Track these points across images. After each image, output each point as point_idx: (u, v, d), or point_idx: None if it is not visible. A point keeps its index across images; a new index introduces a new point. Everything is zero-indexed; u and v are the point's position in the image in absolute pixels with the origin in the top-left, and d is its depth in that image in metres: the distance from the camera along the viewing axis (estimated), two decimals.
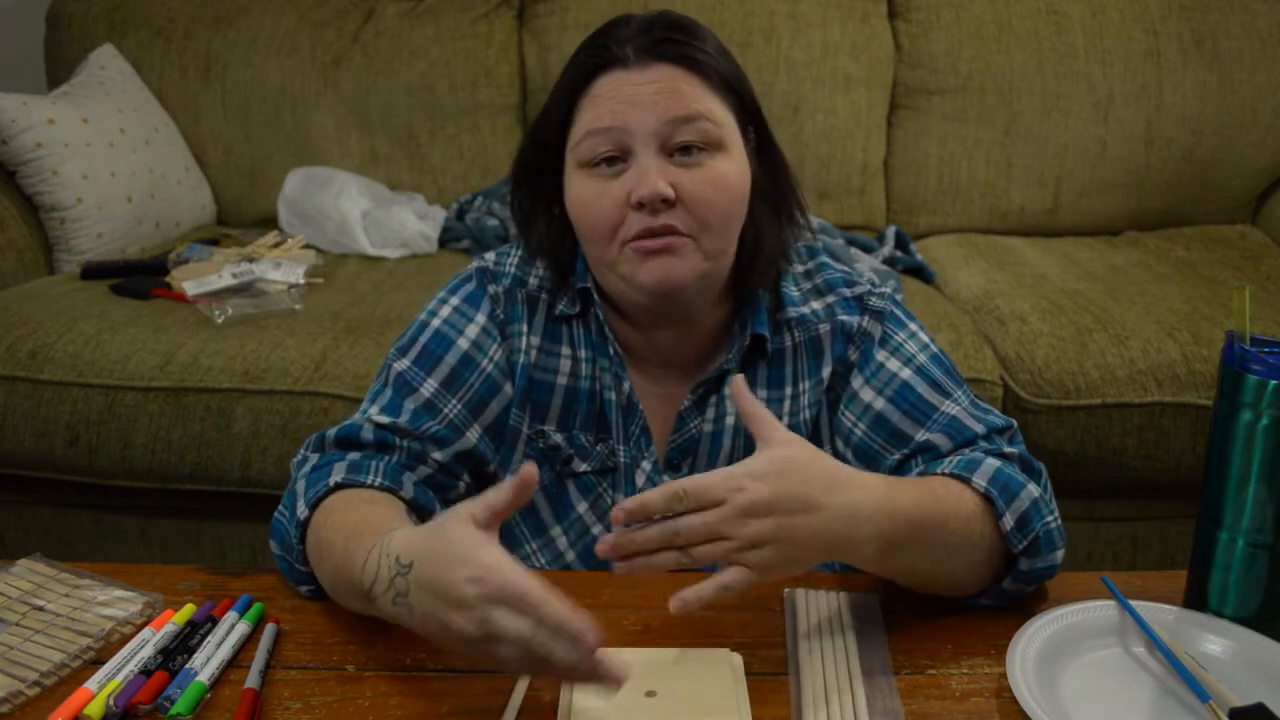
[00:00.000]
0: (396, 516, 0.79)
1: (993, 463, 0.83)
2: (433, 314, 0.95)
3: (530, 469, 0.67)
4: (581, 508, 0.96)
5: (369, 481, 0.85)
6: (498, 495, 0.67)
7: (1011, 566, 0.81)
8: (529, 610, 0.62)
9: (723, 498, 0.68)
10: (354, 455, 0.88)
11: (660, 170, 0.84)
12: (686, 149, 0.85)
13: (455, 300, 0.95)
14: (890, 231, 2.18)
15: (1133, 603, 0.81)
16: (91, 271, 1.96)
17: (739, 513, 0.68)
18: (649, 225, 0.84)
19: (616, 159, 0.85)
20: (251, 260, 1.96)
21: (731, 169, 0.87)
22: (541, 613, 0.62)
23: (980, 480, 0.81)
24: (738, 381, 0.75)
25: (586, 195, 0.87)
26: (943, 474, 0.83)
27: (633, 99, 0.84)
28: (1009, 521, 0.79)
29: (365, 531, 0.74)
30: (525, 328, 0.95)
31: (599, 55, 0.86)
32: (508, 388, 0.94)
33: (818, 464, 0.72)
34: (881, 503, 0.73)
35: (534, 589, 0.62)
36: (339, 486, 0.83)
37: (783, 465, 0.70)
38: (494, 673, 0.75)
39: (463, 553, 0.64)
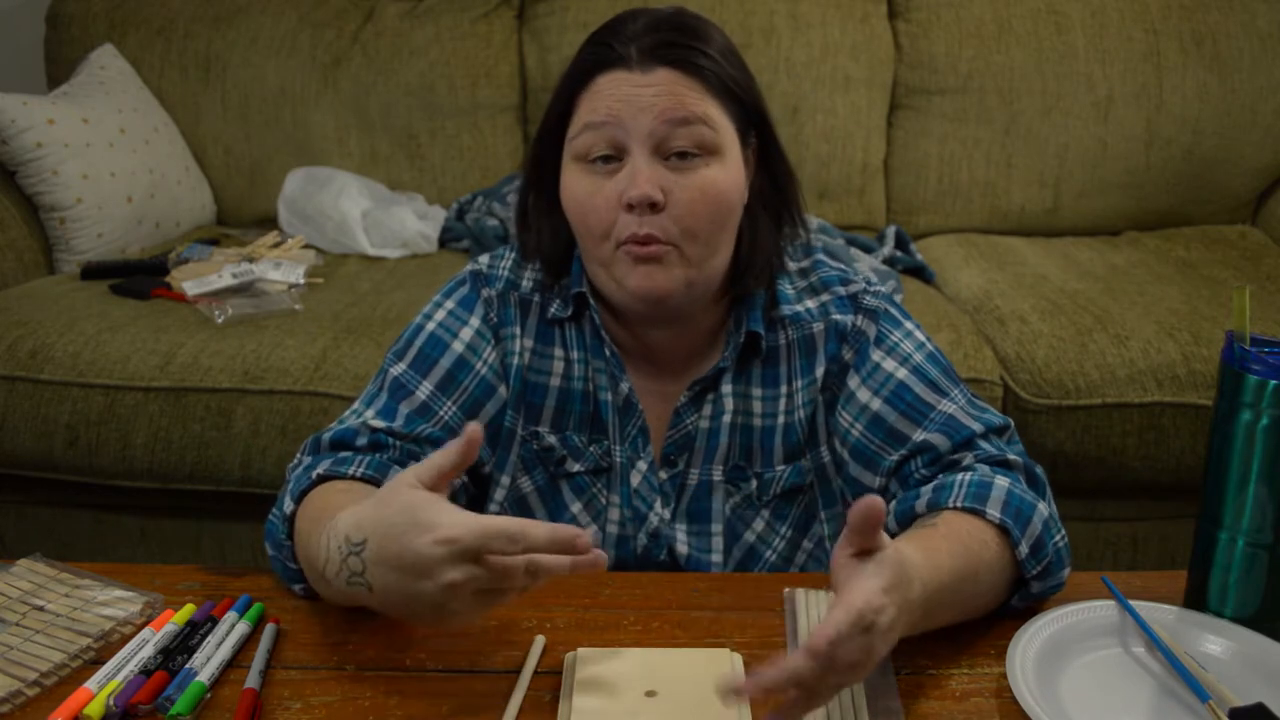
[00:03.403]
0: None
1: (1002, 484, 0.82)
2: (427, 317, 0.95)
3: (474, 428, 0.67)
4: (575, 508, 0.97)
5: (351, 472, 0.85)
6: (444, 456, 0.67)
7: (1021, 586, 0.82)
8: (517, 542, 0.63)
9: (871, 624, 0.62)
10: (345, 453, 0.88)
11: (651, 173, 0.84)
12: (681, 154, 0.85)
13: (449, 304, 0.96)
14: (890, 231, 2.18)
15: (1133, 603, 0.81)
16: (91, 271, 1.96)
17: (879, 633, 0.62)
18: (635, 232, 0.84)
19: (612, 158, 0.86)
20: (251, 260, 1.96)
21: (723, 177, 0.86)
22: (530, 539, 0.63)
23: (994, 512, 0.80)
24: (878, 509, 0.64)
25: (581, 191, 0.87)
26: (954, 506, 0.81)
27: (630, 98, 0.84)
28: (1024, 549, 0.80)
29: (325, 518, 0.74)
30: (518, 330, 0.95)
31: (602, 53, 0.86)
32: (502, 390, 0.95)
33: (904, 563, 0.67)
34: (928, 584, 0.70)
35: (510, 524, 0.64)
36: (321, 479, 0.84)
37: (900, 574, 0.65)
38: (494, 672, 0.75)
39: (421, 519, 0.65)
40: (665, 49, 0.85)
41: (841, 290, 0.96)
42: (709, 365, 0.94)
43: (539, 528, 0.65)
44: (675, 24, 0.87)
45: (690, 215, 0.85)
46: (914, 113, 2.32)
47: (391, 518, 0.66)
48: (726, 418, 0.95)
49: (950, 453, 0.88)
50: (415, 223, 2.17)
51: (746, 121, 0.90)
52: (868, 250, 2.09)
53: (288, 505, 0.83)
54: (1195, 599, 0.83)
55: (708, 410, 0.95)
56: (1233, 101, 2.26)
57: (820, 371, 0.95)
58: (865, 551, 0.66)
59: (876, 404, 0.91)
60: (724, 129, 0.87)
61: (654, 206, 0.84)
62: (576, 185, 0.87)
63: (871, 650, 0.62)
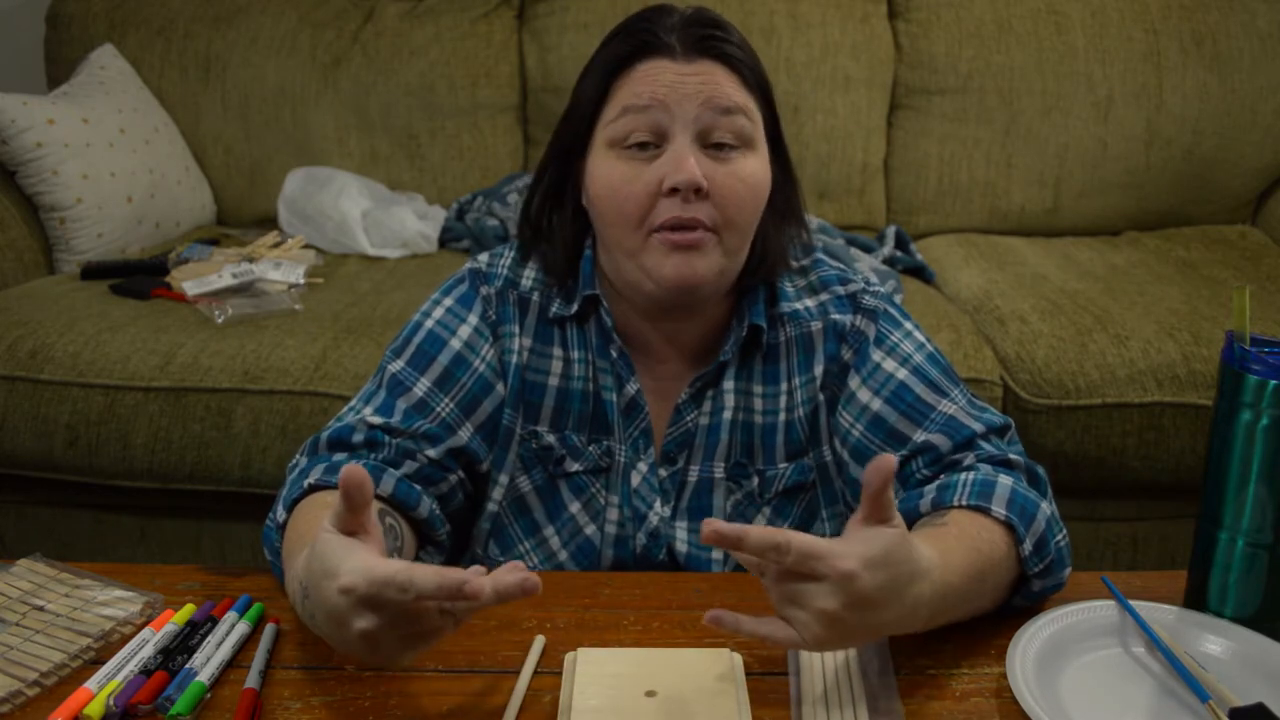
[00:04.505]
0: None
1: (1006, 482, 0.82)
2: (426, 315, 0.96)
3: (351, 470, 0.63)
4: (574, 507, 0.97)
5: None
6: (338, 502, 0.65)
7: (1022, 584, 0.82)
8: (406, 591, 0.60)
9: (825, 574, 0.64)
10: (340, 456, 0.88)
11: (695, 159, 0.85)
12: (720, 145, 0.86)
13: (448, 301, 0.96)
14: (890, 231, 2.18)
15: (1133, 603, 0.81)
16: (91, 271, 1.96)
17: (840, 600, 0.64)
18: (679, 215, 0.84)
19: (649, 144, 0.86)
20: (251, 260, 1.96)
21: (760, 168, 0.88)
22: (418, 588, 0.59)
23: (1000, 509, 0.80)
24: (889, 461, 0.66)
25: (615, 177, 0.86)
26: (960, 505, 0.81)
27: (675, 85, 0.85)
28: (1028, 546, 0.80)
29: (303, 543, 0.72)
30: (517, 329, 0.95)
31: (643, 39, 0.87)
32: (500, 387, 0.95)
33: (911, 550, 0.68)
34: (938, 584, 0.70)
35: (399, 574, 0.60)
36: (312, 488, 0.84)
37: (892, 553, 0.65)
38: (494, 672, 0.75)
39: (328, 566, 0.63)
40: (707, 41, 0.87)
41: (840, 290, 0.96)
42: (711, 359, 0.95)
43: (426, 576, 0.60)
44: (710, 19, 0.89)
45: (733, 203, 0.86)
46: (914, 113, 2.32)
47: (315, 564, 0.65)
48: (727, 414, 0.95)
49: (951, 453, 0.88)
50: (415, 223, 2.17)
51: (770, 119, 0.91)
52: (868, 250, 2.09)
53: (280, 514, 0.83)
54: (1195, 599, 0.83)
55: (708, 407, 0.95)
56: (1233, 101, 2.26)
57: (819, 370, 0.95)
58: (872, 521, 0.66)
59: (877, 404, 0.91)
60: (758, 123, 0.88)
61: (698, 192, 0.84)
62: (611, 171, 0.87)
63: (832, 615, 0.63)
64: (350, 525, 0.65)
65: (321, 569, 0.64)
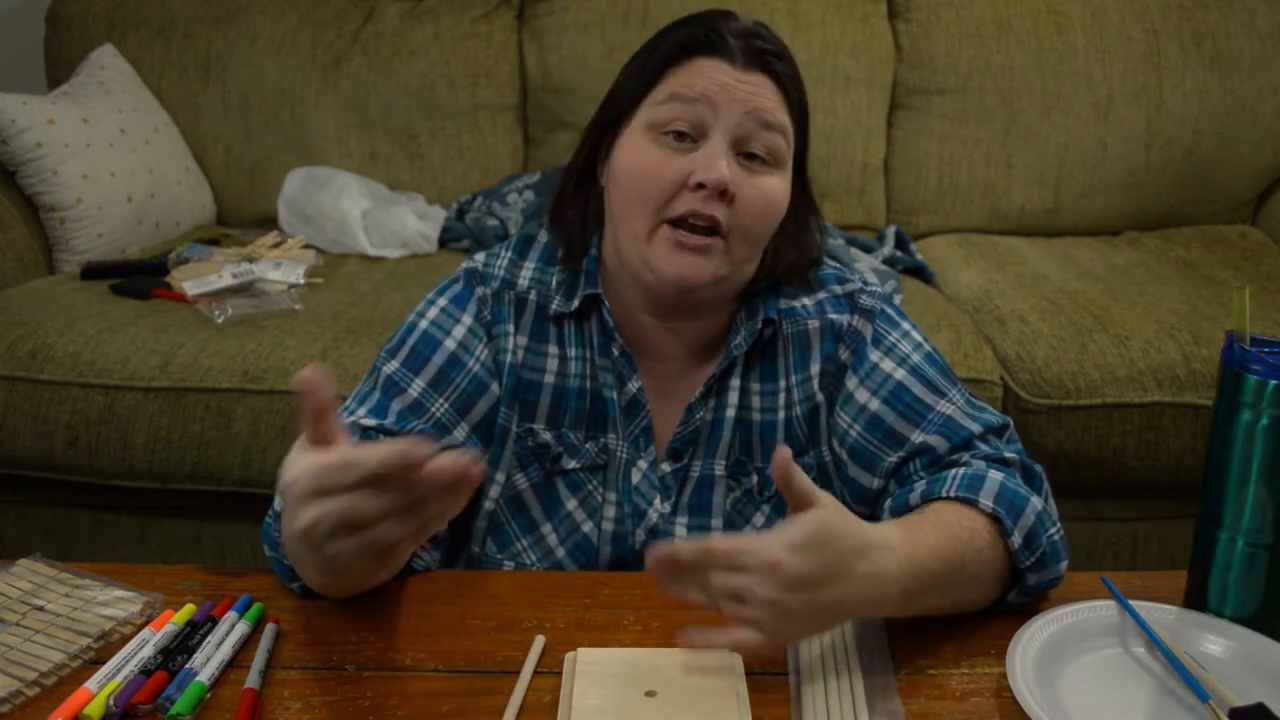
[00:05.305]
0: None
1: (996, 477, 0.83)
2: (420, 315, 0.96)
3: (303, 373, 0.63)
4: (571, 505, 0.97)
5: None
6: (303, 409, 0.64)
7: (1017, 580, 0.82)
8: (349, 471, 0.60)
9: (750, 567, 0.66)
10: None
11: (730, 160, 0.86)
12: (751, 156, 0.88)
13: (442, 301, 0.96)
14: (890, 231, 2.18)
15: (1133, 603, 0.81)
16: (91, 271, 1.96)
17: (773, 587, 0.66)
18: (698, 209, 0.85)
19: (686, 135, 0.87)
20: (251, 260, 1.96)
21: (782, 189, 0.90)
22: (362, 465, 0.60)
23: (987, 501, 0.80)
24: (784, 453, 0.69)
25: (648, 160, 0.88)
26: (948, 496, 0.82)
27: (728, 87, 0.87)
28: (1017, 540, 0.80)
29: None
30: (512, 328, 0.95)
31: (707, 36, 0.89)
32: (495, 387, 0.95)
33: (850, 526, 0.69)
34: (906, 562, 0.71)
35: (344, 454, 0.60)
36: None
37: (821, 534, 0.67)
38: (494, 672, 0.75)
39: (284, 469, 0.64)
40: (765, 56, 0.89)
41: (838, 289, 0.97)
42: (713, 363, 0.95)
43: (371, 452, 0.60)
44: (769, 36, 0.91)
45: (751, 214, 0.87)
46: (914, 113, 2.32)
47: (279, 483, 0.66)
48: (730, 412, 0.95)
49: (948, 454, 0.88)
50: (415, 223, 2.17)
51: (801, 143, 0.93)
52: (868, 250, 2.09)
53: (279, 503, 0.83)
54: (1195, 599, 0.83)
55: (713, 403, 0.96)
56: (1233, 101, 2.26)
57: (816, 370, 0.95)
58: (798, 509, 0.69)
59: (875, 405, 0.91)
60: (790, 145, 0.90)
61: (723, 195, 0.85)
62: (644, 152, 0.88)
63: (774, 602, 0.66)
64: (318, 435, 0.65)
65: (281, 482, 0.64)
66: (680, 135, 0.87)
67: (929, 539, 0.75)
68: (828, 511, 0.68)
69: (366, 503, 0.62)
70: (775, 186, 0.89)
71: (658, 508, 0.95)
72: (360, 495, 0.61)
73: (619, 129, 0.91)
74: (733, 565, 0.67)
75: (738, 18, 0.92)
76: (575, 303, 0.94)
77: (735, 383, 0.95)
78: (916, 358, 0.93)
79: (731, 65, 0.88)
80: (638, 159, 0.88)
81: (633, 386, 0.95)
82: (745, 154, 0.87)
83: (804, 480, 0.69)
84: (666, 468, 0.96)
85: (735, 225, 0.87)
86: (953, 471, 0.85)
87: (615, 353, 0.95)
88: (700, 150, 0.86)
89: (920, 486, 0.85)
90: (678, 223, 0.86)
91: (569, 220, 0.96)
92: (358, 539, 0.63)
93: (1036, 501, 0.83)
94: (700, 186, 0.85)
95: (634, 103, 0.90)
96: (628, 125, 0.90)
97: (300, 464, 0.63)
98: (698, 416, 0.95)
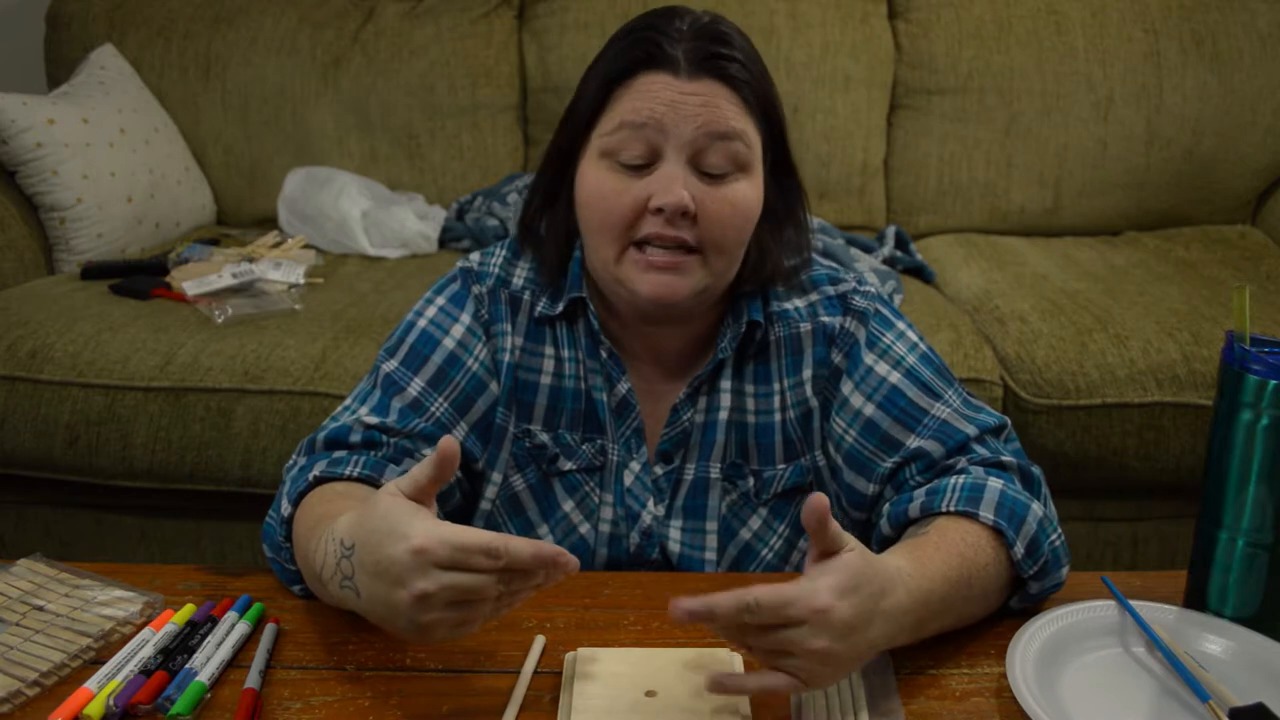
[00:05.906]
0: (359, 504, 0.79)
1: (995, 485, 0.82)
2: (419, 314, 0.96)
3: (448, 442, 0.66)
4: (568, 506, 0.97)
5: (347, 473, 0.85)
6: (422, 470, 0.67)
7: (1019, 587, 0.82)
8: (498, 558, 0.63)
9: (804, 618, 0.64)
10: (340, 454, 0.88)
11: (685, 182, 0.84)
12: (711, 169, 0.85)
13: (440, 300, 0.96)
14: (890, 231, 2.18)
15: (1133, 603, 0.81)
16: (91, 271, 1.96)
17: (824, 637, 0.64)
18: (661, 232, 0.84)
19: (641, 165, 0.85)
20: (251, 260, 1.96)
21: (751, 193, 0.87)
22: (512, 555, 0.63)
23: (988, 514, 0.80)
24: (821, 500, 0.66)
25: (604, 188, 0.86)
26: (948, 510, 0.81)
27: (675, 104, 0.84)
28: (1020, 550, 0.79)
29: (325, 521, 0.74)
30: (509, 327, 0.95)
31: (648, 50, 0.85)
32: (493, 386, 0.95)
33: (875, 566, 0.68)
34: (915, 591, 0.70)
35: (493, 538, 0.63)
36: (319, 481, 0.84)
37: (857, 577, 0.66)
38: (494, 672, 0.75)
39: (398, 527, 0.64)
40: (713, 60, 0.85)
41: (830, 290, 0.96)
42: (705, 363, 0.94)
43: (522, 545, 0.64)
44: (719, 34, 0.86)
45: (719, 227, 0.85)
46: (914, 113, 2.32)
47: (374, 523, 0.66)
48: (723, 414, 0.95)
49: (944, 458, 0.88)
50: (415, 223, 2.17)
51: (771, 138, 0.90)
52: (868, 250, 2.09)
53: (285, 508, 0.83)
54: (1195, 599, 0.83)
55: (703, 405, 0.95)
56: (1233, 101, 2.26)
57: (808, 374, 0.95)
58: (827, 554, 0.66)
59: (870, 409, 0.91)
60: (755, 146, 0.87)
61: (685, 214, 0.84)
62: (601, 181, 0.86)
63: (823, 652, 0.64)
64: (424, 493, 0.67)
65: (386, 528, 0.65)
66: (635, 166, 0.85)
67: (935, 564, 0.74)
68: (856, 554, 0.67)
69: (493, 586, 0.65)
70: (741, 193, 0.86)
71: (651, 509, 0.95)
72: (492, 579, 0.64)
73: (579, 152, 0.90)
74: (781, 620, 0.64)
75: (685, 14, 0.87)
76: (560, 306, 0.94)
77: (727, 385, 0.95)
78: (912, 359, 0.92)
79: (676, 78, 0.84)
80: (596, 187, 0.87)
81: (622, 388, 0.94)
82: (705, 168, 0.85)
83: (836, 525, 0.66)
84: (659, 470, 0.96)
85: (705, 239, 0.85)
86: (951, 481, 0.84)
87: (603, 355, 0.95)
88: (656, 173, 0.85)
89: (919, 497, 0.85)
90: (645, 243, 0.85)
91: (541, 240, 0.95)
92: (458, 613, 0.65)
93: (1037, 508, 0.82)
94: (660, 211, 0.84)
95: (587, 129, 0.88)
96: (584, 151, 0.89)
97: (434, 532, 0.64)
98: (685, 418, 0.95)
